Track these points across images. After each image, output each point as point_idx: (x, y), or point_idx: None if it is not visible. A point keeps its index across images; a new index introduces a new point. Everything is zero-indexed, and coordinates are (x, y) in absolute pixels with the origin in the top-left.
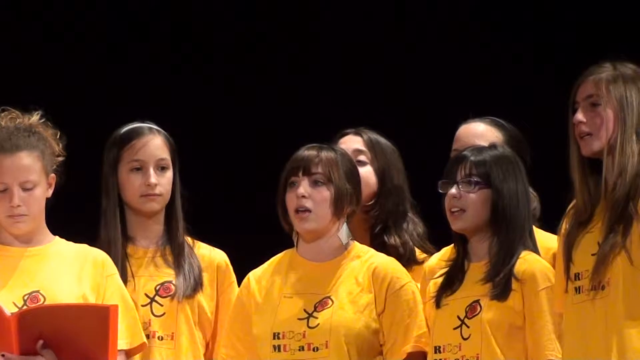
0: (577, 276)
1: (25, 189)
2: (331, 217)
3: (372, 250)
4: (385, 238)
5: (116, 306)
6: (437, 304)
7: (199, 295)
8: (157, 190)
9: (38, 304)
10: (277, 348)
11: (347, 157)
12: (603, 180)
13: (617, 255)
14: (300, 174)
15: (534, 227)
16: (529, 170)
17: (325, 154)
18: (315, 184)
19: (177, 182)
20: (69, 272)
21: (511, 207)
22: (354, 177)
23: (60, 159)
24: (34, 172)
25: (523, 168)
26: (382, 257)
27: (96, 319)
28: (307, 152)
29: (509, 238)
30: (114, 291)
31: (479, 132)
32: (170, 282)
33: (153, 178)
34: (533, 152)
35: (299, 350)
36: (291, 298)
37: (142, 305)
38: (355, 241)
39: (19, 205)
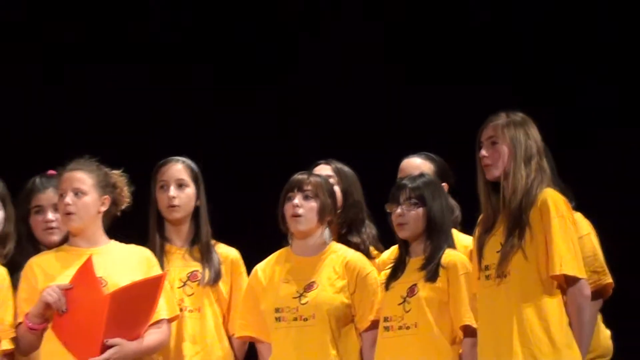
0: (487, 267)
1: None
2: (317, 222)
3: (344, 247)
4: (349, 238)
5: (166, 273)
6: (386, 288)
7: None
8: (175, 202)
9: (103, 285)
10: (278, 319)
11: (328, 181)
12: (501, 197)
13: (515, 253)
14: (295, 190)
15: (456, 230)
16: (453, 189)
17: (313, 178)
18: (306, 198)
19: (202, 197)
20: (123, 264)
21: (439, 218)
22: (332, 195)
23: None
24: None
25: (442, 188)
26: (352, 252)
27: (152, 287)
28: (300, 175)
29: (438, 240)
30: None
31: (417, 165)
32: (197, 271)
33: (172, 192)
34: (455, 177)
35: (294, 320)
36: (287, 282)
37: (178, 287)
38: (333, 241)
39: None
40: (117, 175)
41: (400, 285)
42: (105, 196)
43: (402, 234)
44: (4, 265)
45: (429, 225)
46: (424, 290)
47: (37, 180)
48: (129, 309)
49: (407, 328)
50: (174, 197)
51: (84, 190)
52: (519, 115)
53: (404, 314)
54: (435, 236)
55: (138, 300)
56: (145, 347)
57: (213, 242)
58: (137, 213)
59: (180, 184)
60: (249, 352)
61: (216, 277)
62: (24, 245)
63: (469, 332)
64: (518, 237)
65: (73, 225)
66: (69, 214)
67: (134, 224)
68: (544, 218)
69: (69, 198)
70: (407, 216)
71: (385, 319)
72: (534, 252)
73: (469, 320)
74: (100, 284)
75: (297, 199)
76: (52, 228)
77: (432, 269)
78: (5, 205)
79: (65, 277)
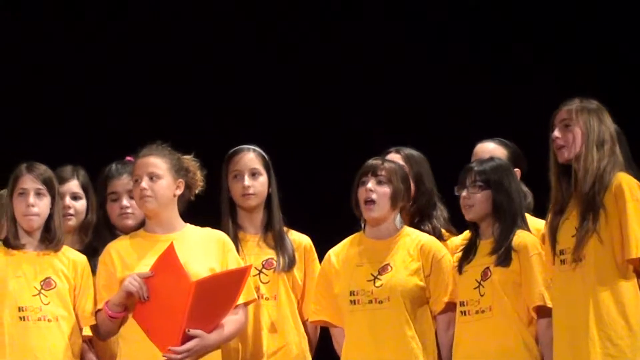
0: (562, 252)
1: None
2: (389, 208)
3: (417, 231)
4: (421, 226)
5: (250, 265)
6: (460, 271)
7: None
8: (250, 191)
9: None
10: (353, 302)
11: (402, 167)
12: (573, 180)
13: (590, 237)
14: (369, 175)
15: (527, 215)
16: (525, 175)
17: (387, 163)
18: (379, 182)
19: (274, 185)
20: (200, 249)
21: (506, 200)
22: (406, 181)
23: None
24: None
25: (514, 172)
26: (426, 236)
27: (237, 279)
28: (374, 161)
29: (506, 222)
30: (233, 262)
31: (490, 149)
32: (272, 258)
33: (247, 181)
34: (528, 162)
35: (369, 303)
36: (361, 266)
37: (253, 275)
38: (405, 225)
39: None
40: (189, 160)
41: (474, 269)
42: (180, 180)
43: (468, 215)
44: (82, 251)
45: (495, 208)
46: (497, 274)
47: (113, 167)
48: (211, 299)
49: (483, 312)
50: (249, 187)
51: (159, 175)
52: (593, 103)
53: (479, 297)
54: (503, 219)
55: (221, 291)
56: (225, 337)
57: (285, 229)
58: (202, 198)
59: (253, 173)
60: (322, 336)
61: (291, 264)
62: (102, 231)
63: (543, 312)
64: (592, 221)
65: (149, 207)
66: (144, 196)
67: (201, 209)
68: (618, 202)
69: (145, 182)
70: (472, 198)
71: (462, 304)
72: (609, 236)
73: (541, 300)
74: (185, 271)
75: (371, 184)
76: (127, 214)
77: (503, 254)
78: (88, 194)
79: (143, 267)
